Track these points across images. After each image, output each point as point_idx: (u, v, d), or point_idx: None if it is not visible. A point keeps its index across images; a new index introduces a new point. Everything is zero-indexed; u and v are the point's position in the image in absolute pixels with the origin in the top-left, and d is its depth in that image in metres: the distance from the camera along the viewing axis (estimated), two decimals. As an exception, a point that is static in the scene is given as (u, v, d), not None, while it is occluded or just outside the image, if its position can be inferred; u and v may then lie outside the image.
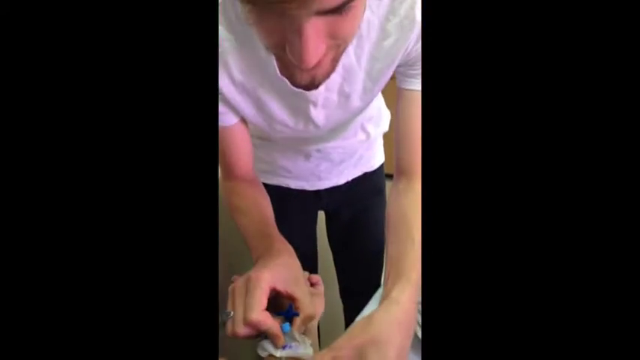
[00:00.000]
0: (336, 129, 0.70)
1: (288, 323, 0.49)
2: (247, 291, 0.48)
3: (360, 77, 0.55)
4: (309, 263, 0.99)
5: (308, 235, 1.00)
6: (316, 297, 0.58)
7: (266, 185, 0.73)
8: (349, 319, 1.06)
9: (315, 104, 0.58)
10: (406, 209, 0.56)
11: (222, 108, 0.58)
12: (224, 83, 0.54)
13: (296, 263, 0.56)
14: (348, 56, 0.52)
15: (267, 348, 0.49)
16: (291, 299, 0.52)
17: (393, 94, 0.63)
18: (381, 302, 0.47)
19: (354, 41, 0.51)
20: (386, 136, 0.92)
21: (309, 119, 0.60)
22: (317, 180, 0.89)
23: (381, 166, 0.96)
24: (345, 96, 0.57)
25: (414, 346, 0.47)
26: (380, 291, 0.72)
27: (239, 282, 0.50)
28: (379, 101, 0.87)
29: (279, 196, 0.77)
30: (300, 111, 0.59)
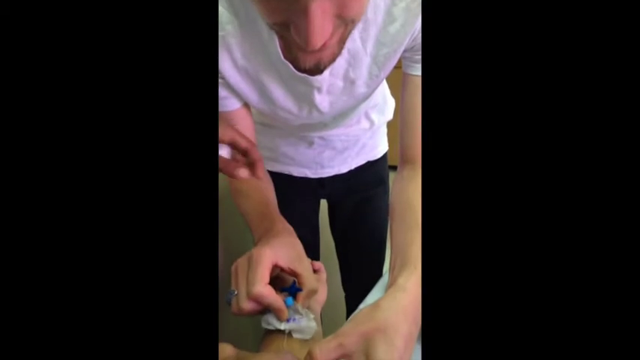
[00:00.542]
0: (340, 116, 0.69)
1: (291, 297, 0.51)
2: (250, 267, 0.49)
3: (365, 62, 0.54)
4: (311, 251, 0.99)
5: (310, 223, 0.99)
6: (319, 284, 0.58)
7: (268, 173, 0.72)
8: (351, 308, 1.06)
9: (319, 90, 0.57)
10: (411, 196, 0.56)
11: (225, 93, 0.58)
12: (227, 67, 0.53)
13: (297, 241, 0.56)
14: (354, 41, 0.51)
15: (271, 321, 0.50)
16: (294, 275, 0.53)
17: (397, 82, 0.62)
18: (387, 289, 0.46)
19: (360, 25, 0.49)
20: (390, 126, 0.91)
21: (313, 105, 0.59)
22: (320, 168, 0.89)
23: (385, 155, 0.96)
24: (350, 82, 0.56)
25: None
26: (382, 280, 0.72)
27: (241, 260, 0.51)
28: (384, 88, 0.86)
29: (282, 183, 0.76)
30: (305, 97, 0.58)
